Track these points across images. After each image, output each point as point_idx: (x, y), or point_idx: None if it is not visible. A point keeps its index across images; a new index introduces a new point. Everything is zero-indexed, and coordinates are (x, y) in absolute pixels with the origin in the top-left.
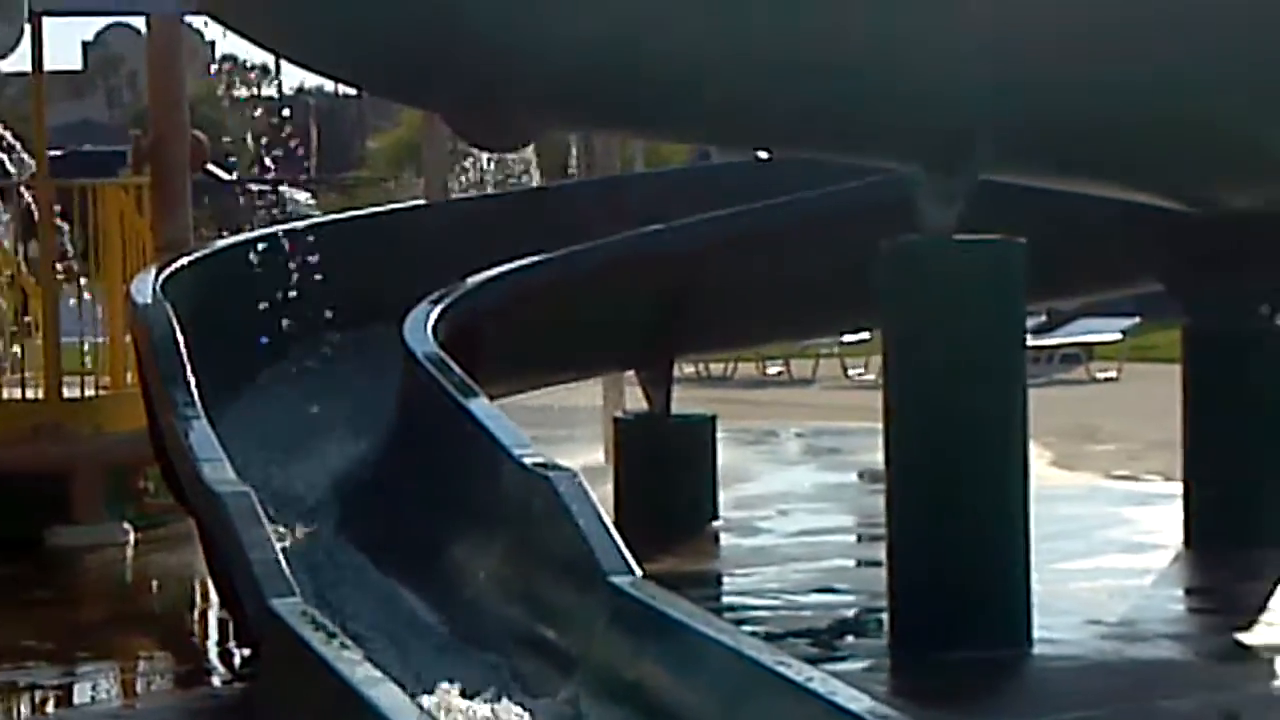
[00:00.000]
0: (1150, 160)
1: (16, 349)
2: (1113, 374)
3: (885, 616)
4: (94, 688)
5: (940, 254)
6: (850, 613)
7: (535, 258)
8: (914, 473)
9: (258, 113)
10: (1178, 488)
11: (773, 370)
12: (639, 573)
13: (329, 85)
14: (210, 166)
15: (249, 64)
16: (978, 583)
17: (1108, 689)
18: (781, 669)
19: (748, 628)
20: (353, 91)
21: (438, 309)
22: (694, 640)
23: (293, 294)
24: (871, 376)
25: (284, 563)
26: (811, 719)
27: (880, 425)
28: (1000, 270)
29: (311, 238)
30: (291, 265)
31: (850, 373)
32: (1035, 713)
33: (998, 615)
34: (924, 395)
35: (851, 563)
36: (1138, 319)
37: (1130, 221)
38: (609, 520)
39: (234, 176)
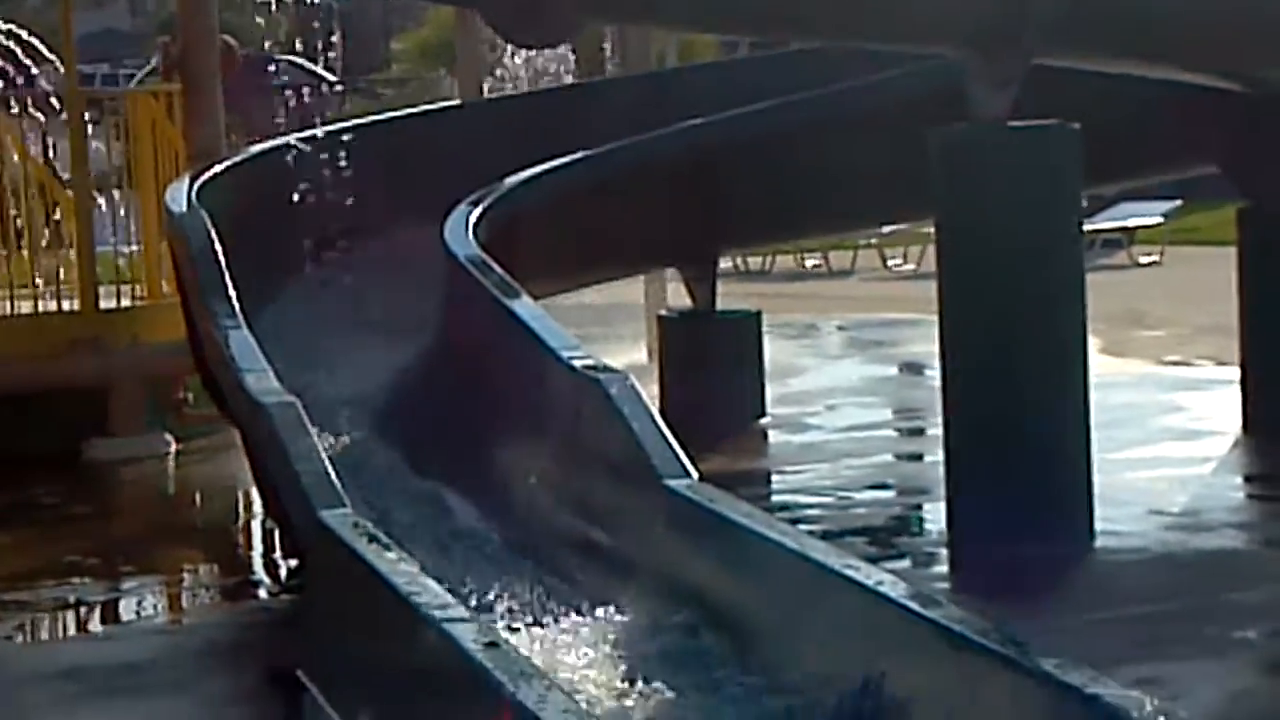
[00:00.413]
0: (1210, 38)
1: (51, 261)
2: (1155, 258)
3: (942, 512)
4: (139, 603)
5: (993, 141)
6: (905, 509)
7: (575, 156)
8: (970, 364)
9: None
10: (1231, 372)
11: (811, 263)
12: (695, 476)
13: None
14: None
15: None
16: (1038, 475)
17: (1173, 582)
18: (850, 572)
19: (803, 527)
20: None
21: (478, 210)
22: (756, 544)
23: (329, 199)
24: (910, 267)
25: (332, 473)
26: (882, 623)
27: (921, 316)
28: (1055, 156)
29: (346, 140)
30: (327, 170)
31: (889, 264)
32: (1100, 608)
33: (1059, 508)
34: (979, 286)
35: (903, 458)
36: (1179, 201)
37: (1186, 103)
38: (662, 423)
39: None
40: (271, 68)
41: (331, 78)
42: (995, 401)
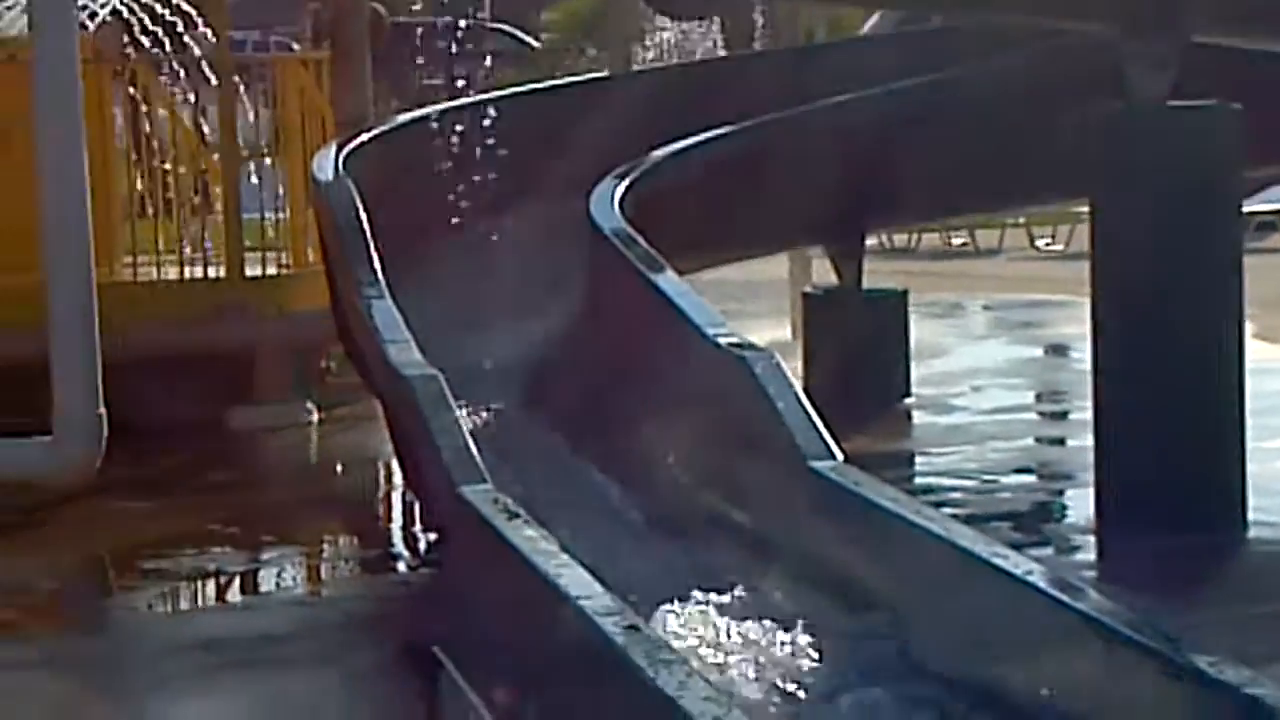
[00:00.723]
0: None
1: (198, 227)
2: None
3: (1091, 499)
4: (279, 574)
5: (1152, 122)
6: (1053, 495)
7: (721, 130)
8: (1123, 349)
9: None
10: None
11: (957, 241)
12: (840, 457)
13: None
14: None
15: None
16: (1190, 463)
17: None
18: (998, 561)
19: (947, 511)
20: None
21: (624, 184)
22: (902, 529)
23: (476, 170)
24: (1059, 246)
25: (474, 448)
26: (1032, 614)
27: (1068, 297)
28: (1215, 138)
29: (494, 111)
30: (475, 140)
31: (1037, 243)
32: (1255, 601)
33: (1211, 497)
34: (1134, 269)
35: (1049, 441)
36: None
37: None
38: (807, 403)
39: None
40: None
41: (535, 42)
42: (1147, 386)
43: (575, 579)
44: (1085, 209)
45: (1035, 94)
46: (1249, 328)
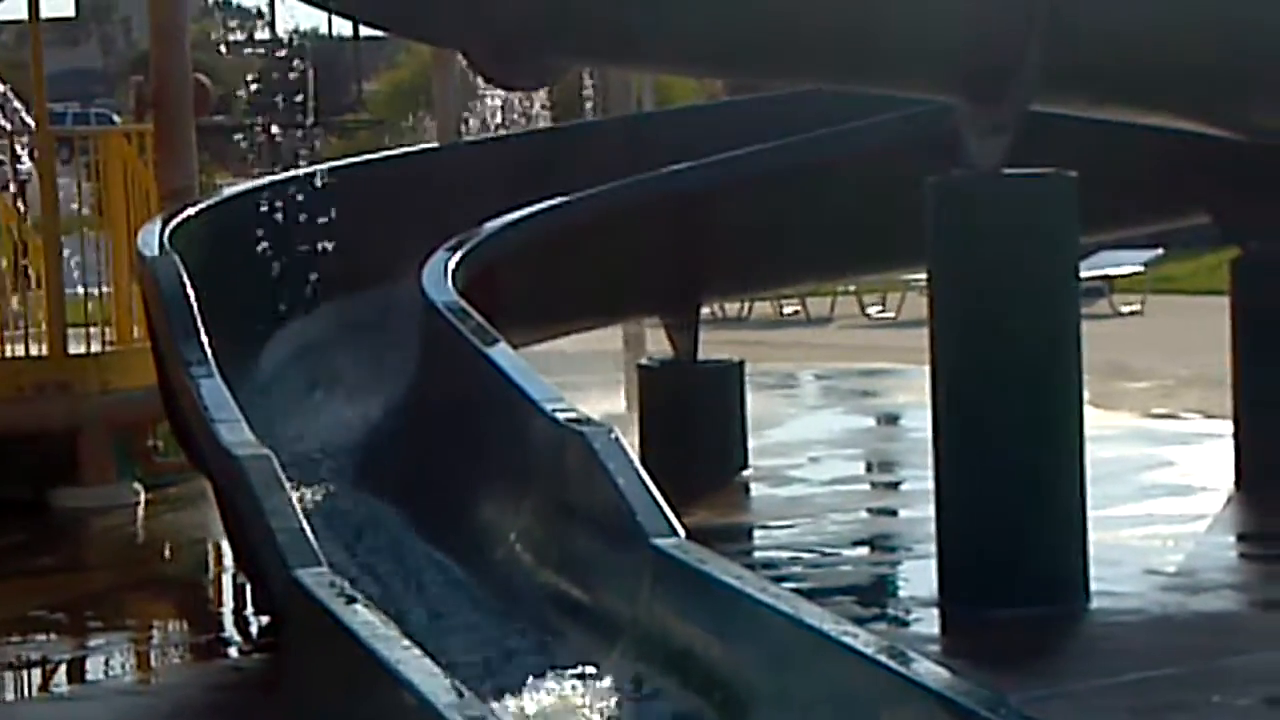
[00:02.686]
0: (1206, 84)
1: (17, 303)
2: (1136, 307)
3: (931, 570)
4: (107, 661)
5: (988, 189)
6: (892, 567)
7: (555, 200)
8: (962, 417)
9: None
10: (1220, 426)
11: (789, 310)
12: (682, 534)
13: (323, 28)
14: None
15: (241, 6)
16: (1031, 534)
17: (1173, 646)
18: (847, 639)
19: (789, 584)
20: (347, 33)
21: (456, 256)
22: (748, 607)
23: (304, 241)
24: (890, 314)
25: (309, 531)
26: (882, 690)
27: (900, 365)
28: (1051, 205)
29: (322, 183)
30: (302, 213)
31: (869, 311)
32: (1099, 673)
33: (1053, 568)
34: (973, 336)
35: (885, 513)
36: (1159, 250)
37: (1179, 151)
38: (648, 479)
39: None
40: None
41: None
42: (988, 455)
43: (416, 665)
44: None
45: (872, 163)
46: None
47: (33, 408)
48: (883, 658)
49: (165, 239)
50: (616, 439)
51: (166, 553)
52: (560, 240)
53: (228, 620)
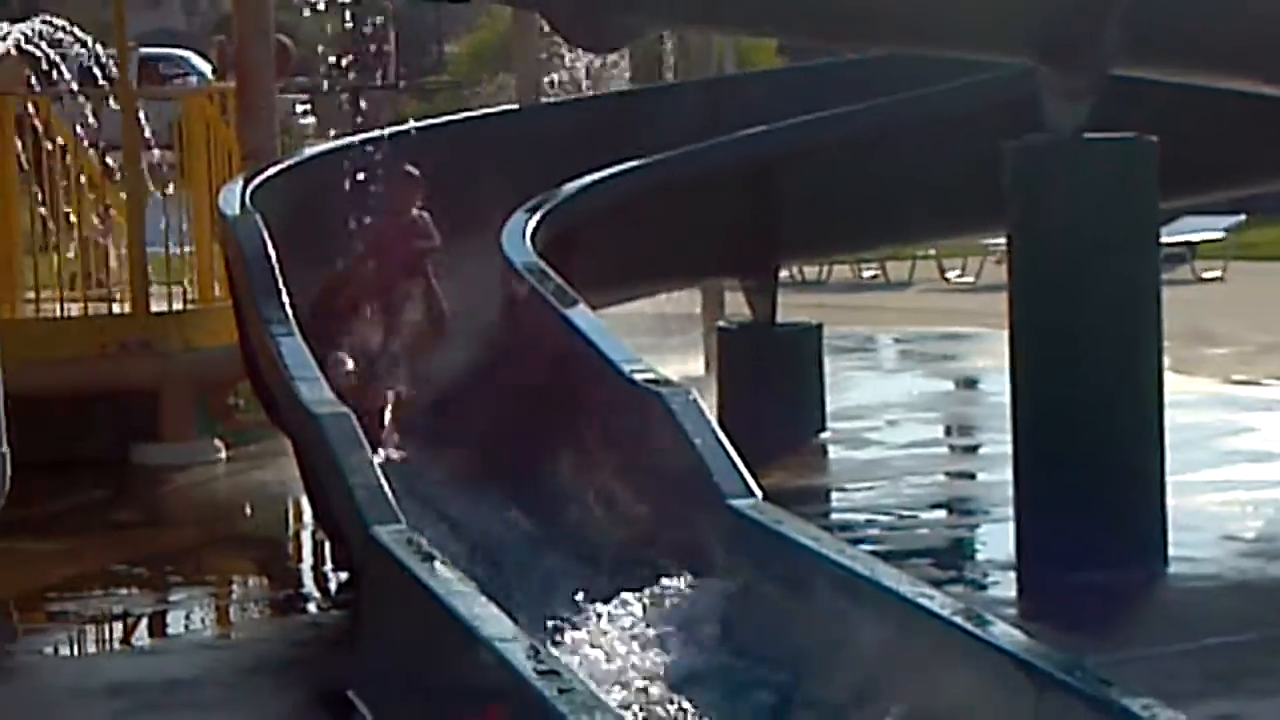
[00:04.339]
0: None
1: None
2: (1218, 273)
3: (1008, 534)
4: (187, 615)
5: (1068, 153)
6: (970, 530)
7: (634, 163)
8: (1042, 382)
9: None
10: None
11: (868, 273)
12: (759, 495)
13: None
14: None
15: None
16: (1110, 498)
17: (1250, 611)
18: (923, 601)
19: (866, 547)
20: None
21: (535, 218)
22: (824, 568)
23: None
24: (970, 279)
25: (387, 487)
26: (959, 653)
27: (979, 330)
28: (1132, 169)
29: (403, 144)
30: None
31: (948, 275)
32: (1176, 637)
33: (1131, 533)
34: (1052, 301)
35: (963, 476)
36: (1242, 216)
37: (1262, 115)
38: (725, 440)
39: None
40: None
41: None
42: (1066, 419)
43: (492, 620)
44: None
45: (951, 126)
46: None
47: (116, 365)
48: (959, 620)
49: (247, 198)
50: (694, 400)
51: (247, 509)
52: (639, 202)
53: (307, 576)
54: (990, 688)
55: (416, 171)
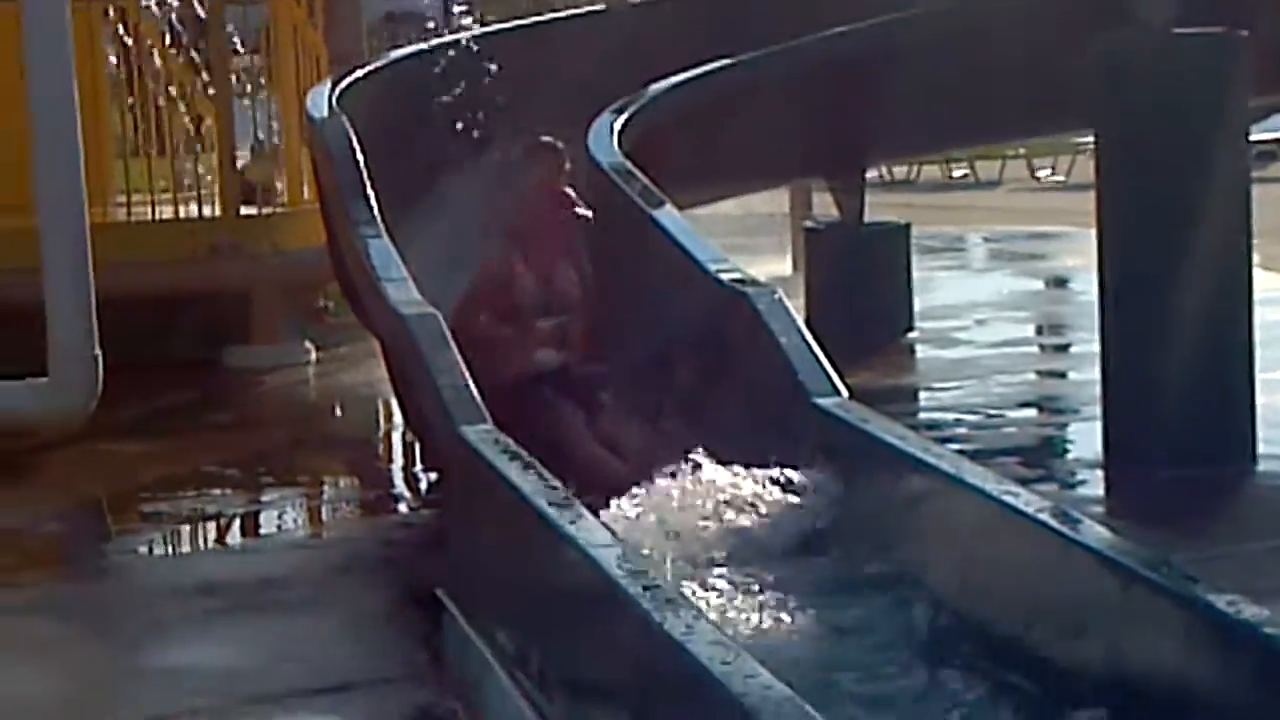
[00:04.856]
0: None
1: (193, 165)
2: None
3: (1097, 433)
4: (279, 516)
5: (1157, 49)
6: (1058, 429)
7: (722, 62)
8: (1129, 279)
9: None
10: None
11: (958, 173)
12: (845, 393)
13: None
14: None
15: None
16: (1198, 396)
17: None
18: (1008, 499)
19: (953, 446)
20: None
21: (622, 118)
22: (910, 467)
23: (472, 106)
24: (1060, 178)
25: (474, 387)
26: (1044, 553)
27: (1069, 229)
28: (1221, 64)
29: (489, 47)
30: (469, 77)
31: (1038, 174)
32: (1264, 535)
33: (1219, 430)
34: (1140, 198)
35: (1052, 375)
36: None
37: None
38: (811, 340)
39: None
40: None
41: None
42: (1154, 317)
43: (577, 520)
44: (1085, 140)
45: (1039, 23)
46: (1253, 257)
47: (205, 268)
48: (1044, 517)
49: (334, 101)
50: (780, 300)
51: (337, 410)
52: (726, 103)
53: (397, 476)
54: (1076, 585)
55: (556, 142)
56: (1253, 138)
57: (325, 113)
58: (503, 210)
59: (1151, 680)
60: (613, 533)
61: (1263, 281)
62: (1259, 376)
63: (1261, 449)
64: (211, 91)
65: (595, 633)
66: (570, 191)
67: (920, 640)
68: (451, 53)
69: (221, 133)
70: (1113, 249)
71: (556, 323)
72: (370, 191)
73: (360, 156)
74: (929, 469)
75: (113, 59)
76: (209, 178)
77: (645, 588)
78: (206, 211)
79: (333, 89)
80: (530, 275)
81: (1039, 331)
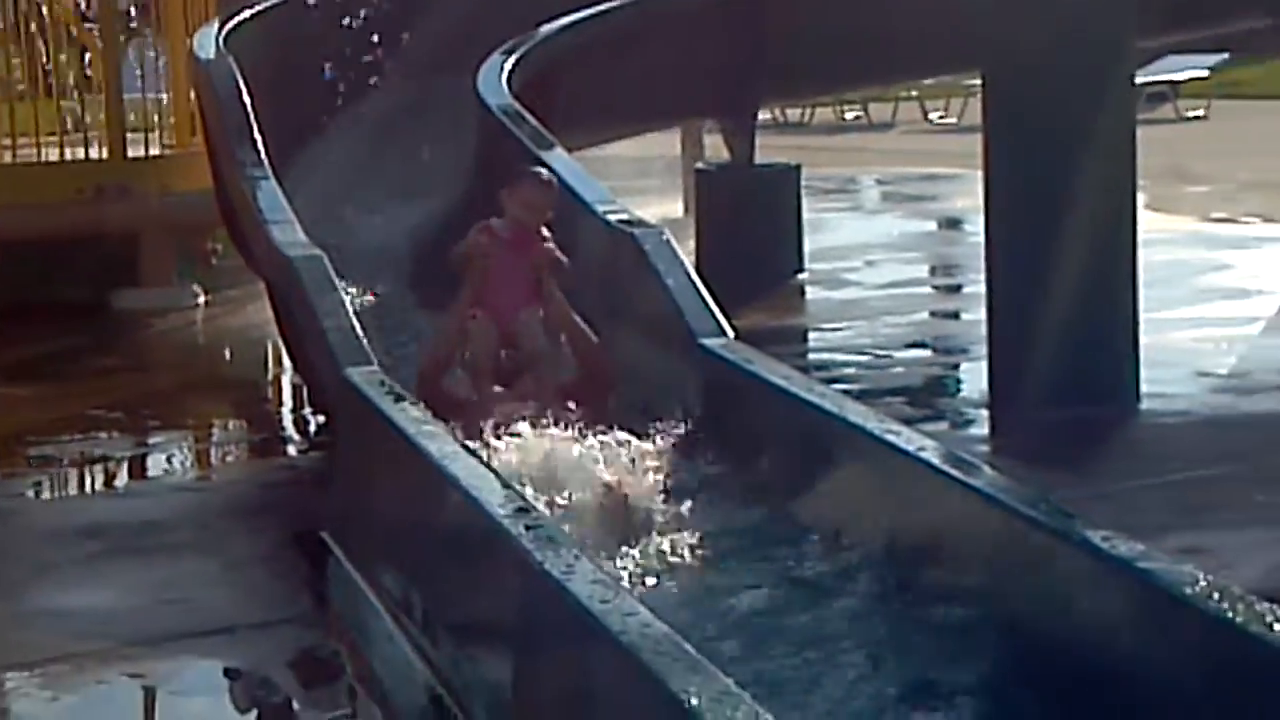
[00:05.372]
0: None
1: (78, 106)
2: (1200, 112)
3: (983, 372)
4: (166, 459)
5: None
6: (946, 369)
7: (611, 3)
8: (1015, 220)
9: None
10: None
11: (851, 115)
12: (731, 334)
13: None
14: None
15: None
16: (1083, 336)
17: (1220, 446)
18: (890, 438)
19: (840, 386)
20: None
21: (511, 59)
22: (792, 407)
23: (361, 48)
24: (953, 120)
25: (359, 329)
26: (923, 490)
27: (962, 171)
28: (1108, 8)
29: None
30: (354, 18)
31: (931, 116)
32: (1145, 473)
33: (1104, 370)
34: (1027, 140)
35: (942, 315)
36: (1226, 55)
37: None
38: (698, 280)
39: None
40: None
41: None
42: (1040, 258)
43: (461, 461)
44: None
45: None
46: (1141, 199)
47: (93, 210)
48: (925, 455)
49: (221, 42)
50: (667, 240)
51: (225, 353)
52: (617, 43)
53: (285, 419)
54: (957, 522)
55: (541, 172)
56: (1146, 79)
57: (212, 54)
58: (465, 252)
59: (1029, 615)
60: (495, 473)
61: (1152, 222)
62: (1144, 317)
63: (1145, 389)
64: (98, 32)
65: (477, 573)
66: (545, 231)
67: (798, 577)
68: None
69: (109, 75)
70: (998, 189)
71: (520, 384)
72: (257, 134)
73: (247, 98)
74: (813, 408)
75: None
76: (96, 119)
77: (527, 527)
78: (94, 154)
79: (220, 29)
80: (488, 321)
81: (931, 273)
